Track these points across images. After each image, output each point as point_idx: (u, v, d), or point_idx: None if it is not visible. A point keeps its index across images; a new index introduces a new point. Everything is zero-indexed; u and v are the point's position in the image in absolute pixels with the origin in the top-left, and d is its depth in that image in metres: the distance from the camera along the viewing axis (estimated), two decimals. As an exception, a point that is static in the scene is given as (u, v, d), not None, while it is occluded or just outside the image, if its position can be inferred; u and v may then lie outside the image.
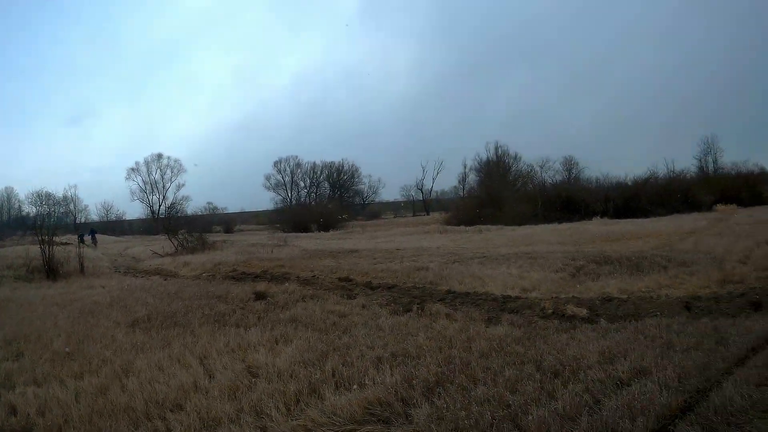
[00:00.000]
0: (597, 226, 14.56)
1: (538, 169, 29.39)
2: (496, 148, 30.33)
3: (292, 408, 2.15)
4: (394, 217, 35.88)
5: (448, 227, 18.98)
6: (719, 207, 18.53)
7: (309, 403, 2.17)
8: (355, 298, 4.89)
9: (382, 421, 1.97)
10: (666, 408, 1.79)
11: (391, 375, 2.38)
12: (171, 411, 2.19)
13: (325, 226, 23.49)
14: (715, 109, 41.70)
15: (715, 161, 28.72)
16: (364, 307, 4.49)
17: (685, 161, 34.52)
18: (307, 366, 2.68)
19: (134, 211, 37.20)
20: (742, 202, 18.87)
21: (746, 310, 3.77)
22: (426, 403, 2.02)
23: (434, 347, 2.95)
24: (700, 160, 28.99)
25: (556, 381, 2.21)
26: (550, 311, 4.04)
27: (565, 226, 15.38)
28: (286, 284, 5.74)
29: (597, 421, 1.71)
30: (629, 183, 23.60)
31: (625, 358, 2.50)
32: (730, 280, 4.81)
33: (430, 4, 53.86)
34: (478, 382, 2.26)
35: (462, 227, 18.25)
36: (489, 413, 1.86)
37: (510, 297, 4.57)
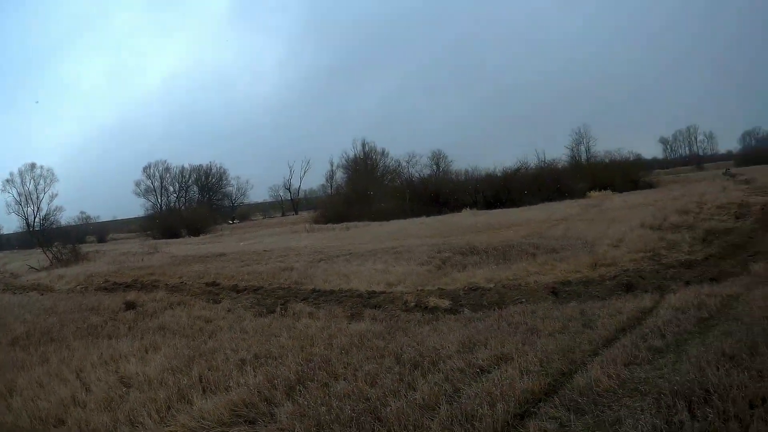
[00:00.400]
0: (466, 217, 53.83)
1: (405, 164, 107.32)
2: (364, 145, 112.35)
3: (163, 415, 8.60)
4: (263, 218, 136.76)
5: (316, 226, 69.00)
6: (592, 194, 68.84)
7: (179, 409, 8.71)
8: (220, 302, 18.68)
9: (249, 422, 8.13)
10: (528, 393, 7.66)
11: (255, 376, 9.60)
12: (54, 426, 8.11)
13: (195, 231, 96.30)
14: (590, 102, 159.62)
15: (588, 150, 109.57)
16: (229, 311, 17.36)
17: (557, 151, 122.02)
18: (175, 373, 10.42)
19: (11, 224, 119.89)
20: (617, 188, 71.23)
21: (617, 292, 15.06)
22: (288, 402, 8.43)
23: (296, 346, 11.67)
24: (572, 150, 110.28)
25: (415, 372, 9.08)
26: (412, 304, 15.94)
27: (433, 219, 57.44)
28: (155, 292, 21.12)
29: (456, 409, 7.34)
30: (499, 174, 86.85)
31: (485, 346, 10.03)
32: (602, 263, 18.30)
33: (301, 3, 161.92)
34: (339, 378, 9.28)
35: (330, 225, 66.98)
36: (349, 407, 7.77)
37: (375, 292, 18.02)
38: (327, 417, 7.53)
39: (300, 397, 8.43)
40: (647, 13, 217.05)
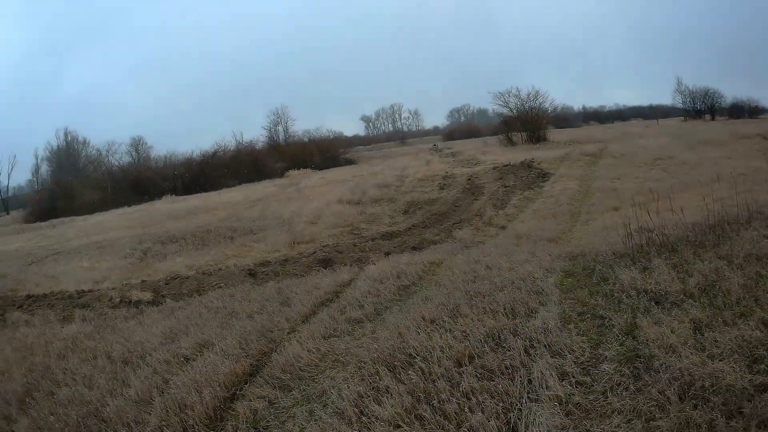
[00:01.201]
0: (165, 204, 53.71)
1: (105, 153, 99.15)
2: (66, 135, 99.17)
3: None
4: None
5: (26, 225, 60.90)
6: (291, 173, 73.62)
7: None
8: None
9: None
10: (232, 375, 8.36)
11: None
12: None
13: None
14: (291, 85, 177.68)
15: (286, 130, 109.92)
16: None
17: (256, 133, 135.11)
18: None
19: None
20: (317, 167, 77.67)
21: (316, 268, 17.05)
22: (24, 416, 8.94)
23: (19, 358, 12.10)
24: (270, 130, 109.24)
25: (127, 369, 9.76)
26: (117, 300, 16.83)
27: (134, 208, 54.75)
28: None
29: (168, 400, 7.90)
30: (197, 158, 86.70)
31: (187, 335, 10.90)
32: (301, 241, 19.79)
33: None
34: (61, 384, 9.82)
35: (39, 223, 58.87)
36: (74, 413, 8.31)
37: (84, 291, 18.68)
38: (57, 426, 7.95)
39: (31, 409, 8.78)
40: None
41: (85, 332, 12.82)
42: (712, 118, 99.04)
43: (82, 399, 8.51)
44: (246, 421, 6.99)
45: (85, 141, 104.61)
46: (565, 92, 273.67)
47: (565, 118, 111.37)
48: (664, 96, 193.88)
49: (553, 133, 68.97)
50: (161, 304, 15.03)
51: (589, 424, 5.39)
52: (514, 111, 72.27)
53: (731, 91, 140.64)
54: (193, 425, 7.08)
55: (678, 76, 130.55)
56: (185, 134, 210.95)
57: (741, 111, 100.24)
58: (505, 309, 8.50)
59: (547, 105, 73.34)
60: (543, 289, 9.40)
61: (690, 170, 29.99)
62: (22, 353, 12.08)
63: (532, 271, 10.75)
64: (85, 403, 8.27)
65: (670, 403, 5.32)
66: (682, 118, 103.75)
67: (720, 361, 5.83)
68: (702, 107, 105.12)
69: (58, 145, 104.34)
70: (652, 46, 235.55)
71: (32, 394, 9.28)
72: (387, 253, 17.14)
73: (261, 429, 6.92)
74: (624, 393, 5.74)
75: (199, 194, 62.78)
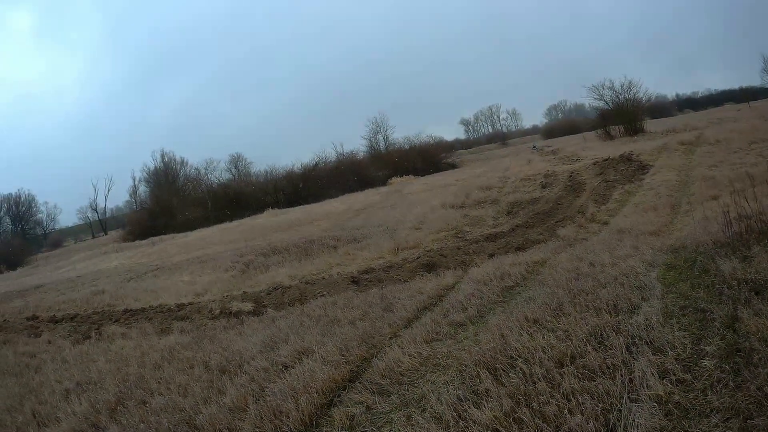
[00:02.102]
0: (267, 218, 55.76)
1: (204, 171, 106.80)
2: (163, 156, 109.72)
3: (5, 455, 9.78)
4: (75, 243, 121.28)
5: (124, 244, 70.95)
6: (393, 180, 76.38)
7: (20, 448, 10.15)
8: (41, 335, 18.77)
9: (82, 450, 9.52)
10: (330, 382, 8.24)
11: (80, 404, 10.14)
12: None
13: (13, 264, 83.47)
14: (390, 95, 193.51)
15: (386, 138, 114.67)
16: (49, 342, 17.42)
17: (355, 143, 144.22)
18: (11, 412, 10.81)
19: None
20: (419, 172, 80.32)
21: (420, 273, 16.36)
22: (113, 424, 8.93)
23: (113, 369, 12.28)
24: (370, 139, 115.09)
25: (223, 377, 9.72)
26: (218, 311, 16.88)
27: (235, 223, 60.60)
28: (-24, 336, 20.75)
29: (263, 407, 7.83)
30: (298, 171, 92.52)
31: (287, 343, 10.70)
32: (405, 247, 20.85)
33: (100, 15, 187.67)
34: (154, 393, 9.85)
35: (138, 242, 69.25)
36: (166, 420, 8.34)
37: (183, 305, 19.15)
38: (148, 432, 8.35)
39: (122, 417, 8.87)
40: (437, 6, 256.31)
41: (183, 343, 13.12)
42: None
43: (176, 407, 8.56)
44: (342, 427, 6.99)
45: (182, 160, 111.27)
46: (656, 80, 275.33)
47: (660, 108, 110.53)
48: (753, 77, 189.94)
49: (650, 124, 68.35)
50: (262, 314, 15.13)
51: (688, 424, 5.25)
52: (610, 104, 71.83)
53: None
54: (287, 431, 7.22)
55: (765, 55, 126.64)
56: (285, 149, 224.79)
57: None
58: (607, 306, 8.41)
59: (641, 95, 72.42)
60: (645, 284, 9.25)
61: (786, 152, 29.72)
62: (116, 364, 12.38)
63: (634, 266, 10.61)
64: (178, 411, 8.38)
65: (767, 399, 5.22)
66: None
67: (823, 353, 5.67)
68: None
69: (155, 166, 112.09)
70: (735, 24, 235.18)
71: (124, 403, 9.48)
72: (491, 255, 16.95)
73: (356, 434, 7.12)
74: (723, 390, 5.58)
75: (301, 206, 64.60)
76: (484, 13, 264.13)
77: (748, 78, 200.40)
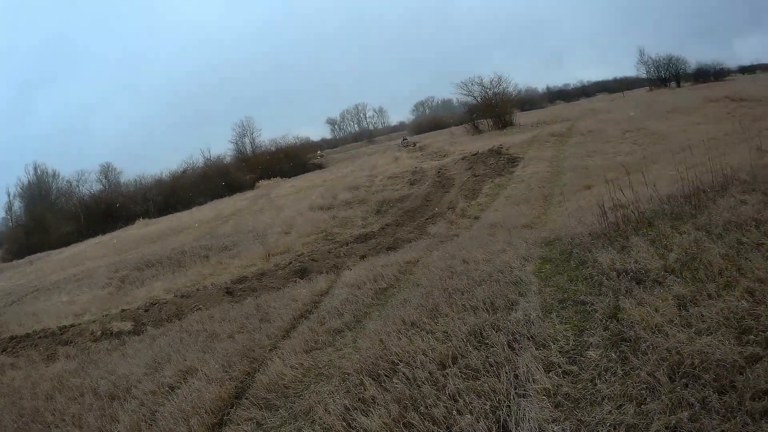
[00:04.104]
0: (139, 229, 52.38)
1: (76, 183, 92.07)
2: (35, 169, 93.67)
3: None
4: None
5: (3, 264, 60.16)
6: (261, 183, 74.60)
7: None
8: None
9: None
10: (218, 400, 8.31)
11: None
12: None
13: None
14: (253, 98, 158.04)
15: (252, 142, 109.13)
16: None
17: (223, 148, 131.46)
18: None
19: None
20: (286, 174, 78.90)
21: (293, 279, 16.89)
22: None
23: (8, 403, 11.49)
24: (237, 143, 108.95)
25: (114, 404, 9.55)
26: (99, 333, 16.40)
27: (109, 236, 55.02)
28: None
29: None
30: (167, 179, 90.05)
31: (170, 363, 10.74)
32: (275, 252, 19.91)
33: None
34: (51, 426, 9.55)
35: (14, 261, 59.85)
36: None
37: (66, 327, 18.25)
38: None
39: None
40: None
41: (70, 370, 12.65)
42: (678, 85, 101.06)
43: None
44: None
45: (54, 173, 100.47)
46: (528, 75, 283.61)
47: (531, 100, 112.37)
48: (628, 68, 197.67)
49: (520, 117, 69.11)
50: (142, 332, 15.01)
51: (580, 414, 5.34)
52: (479, 99, 72.38)
53: (694, 57, 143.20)
54: (184, 457, 7.09)
55: (640, 47, 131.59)
56: (155, 157, 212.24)
57: (706, 75, 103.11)
58: (485, 304, 8.47)
59: (510, 89, 73.65)
60: (521, 279, 9.36)
61: (660, 140, 30.41)
62: (10, 398, 11.81)
63: (508, 261, 10.71)
64: None
65: (660, 384, 5.29)
66: (648, 88, 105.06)
67: (708, 336, 5.79)
68: (667, 75, 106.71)
69: (28, 181, 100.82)
70: (610, 19, 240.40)
71: (27, 440, 9.22)
72: (362, 257, 17.17)
73: (251, 453, 6.99)
74: (612, 378, 5.71)
75: (171, 215, 63.75)
76: (350, 13, 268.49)
77: (623, 70, 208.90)
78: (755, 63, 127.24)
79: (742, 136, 18.80)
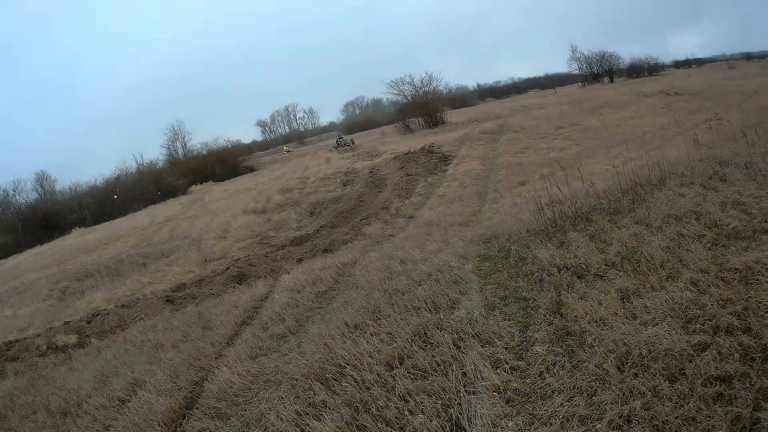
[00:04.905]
0: (75, 238, 53.93)
1: (12, 192, 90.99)
2: None
3: None
4: None
5: None
6: (194, 188, 74.70)
7: None
8: None
9: None
10: (169, 412, 8.18)
11: None
12: None
13: None
14: (184, 102, 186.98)
15: (184, 146, 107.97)
16: None
17: (155, 152, 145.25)
18: None
19: None
20: (218, 178, 79.45)
21: (231, 285, 16.97)
22: None
23: None
24: (169, 148, 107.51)
25: (67, 420, 9.26)
26: (45, 347, 16.17)
27: (47, 246, 57.75)
28: None
29: None
30: (101, 186, 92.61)
31: (118, 375, 10.60)
32: (212, 258, 20.21)
33: None
34: None
35: None
36: None
37: (12, 342, 17.70)
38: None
39: None
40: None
41: (20, 387, 12.40)
42: (611, 81, 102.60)
43: None
44: None
45: None
46: (458, 73, 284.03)
47: (462, 98, 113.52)
48: (560, 65, 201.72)
49: (451, 114, 69.74)
50: (87, 345, 14.93)
51: (532, 408, 5.42)
52: (409, 98, 72.97)
53: (628, 52, 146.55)
54: (143, 473, 7.04)
55: (572, 43, 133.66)
56: (89, 163, 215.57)
57: (640, 70, 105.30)
58: (426, 304, 8.52)
59: (441, 87, 74.45)
60: (461, 278, 9.43)
61: (594, 136, 30.81)
62: (-39, 423, 11.83)
63: (447, 260, 10.78)
64: None
65: (610, 375, 5.38)
66: (580, 84, 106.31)
67: (654, 326, 5.92)
68: (599, 71, 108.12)
69: None
70: (540, 15, 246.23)
71: (-17, 467, 8.97)
72: (299, 260, 17.23)
73: (207, 464, 6.93)
74: (561, 372, 5.79)
75: (107, 222, 64.20)
76: (280, 16, 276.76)
77: (554, 67, 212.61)
78: (690, 57, 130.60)
79: (678, 129, 19.18)
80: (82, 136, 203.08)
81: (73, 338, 16.15)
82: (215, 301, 14.30)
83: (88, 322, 17.56)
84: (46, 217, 78.35)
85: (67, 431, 8.71)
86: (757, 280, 6.25)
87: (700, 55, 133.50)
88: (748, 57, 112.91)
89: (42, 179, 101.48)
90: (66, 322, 18.40)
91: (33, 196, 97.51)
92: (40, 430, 9.23)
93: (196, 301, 15.45)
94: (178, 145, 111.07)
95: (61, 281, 26.28)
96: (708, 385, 4.91)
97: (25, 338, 17.92)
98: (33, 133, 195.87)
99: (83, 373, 11.43)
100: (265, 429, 6.74)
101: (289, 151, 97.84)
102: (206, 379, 8.84)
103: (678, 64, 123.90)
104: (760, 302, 5.82)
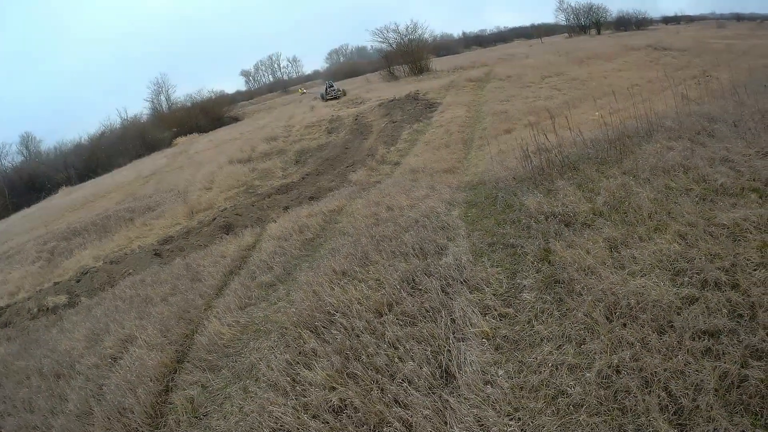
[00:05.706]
0: (62, 197, 52.15)
1: None
2: None
3: None
4: None
5: None
6: (179, 140, 73.50)
7: None
8: None
9: None
10: (161, 366, 8.58)
11: None
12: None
13: None
14: (165, 53, 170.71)
15: (168, 98, 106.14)
16: None
17: (139, 106, 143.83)
18: None
19: None
20: (203, 129, 77.51)
21: (218, 235, 17.15)
22: None
23: None
24: (153, 101, 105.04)
25: (60, 382, 9.70)
26: (36, 310, 16.45)
27: (34, 208, 53.63)
28: None
29: (107, 408, 7.90)
30: (86, 143, 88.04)
31: (108, 333, 10.95)
32: (198, 209, 20.96)
33: None
34: (4, 415, 9.58)
35: None
36: None
37: (2, 308, 18.05)
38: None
39: None
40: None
41: (13, 353, 12.52)
42: (598, 33, 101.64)
43: (27, 425, 8.32)
44: (185, 411, 7.02)
45: None
46: (444, 21, 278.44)
47: (447, 46, 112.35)
48: (547, 16, 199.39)
49: (436, 62, 69.35)
50: (77, 304, 14.92)
51: (521, 356, 5.53)
52: (394, 45, 72.71)
53: (616, 6, 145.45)
54: (136, 428, 7.04)
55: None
56: (72, 120, 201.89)
57: (628, 23, 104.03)
58: (414, 250, 8.67)
59: (426, 35, 74.71)
60: (448, 224, 9.57)
61: (581, 86, 30.44)
62: (-41, 387, 11.99)
63: (434, 207, 10.91)
64: (32, 429, 8.15)
65: (598, 324, 5.49)
66: (567, 34, 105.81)
67: (642, 277, 6.03)
68: (587, 22, 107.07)
69: None
70: None
71: (-21, 433, 9.15)
72: (285, 208, 17.21)
73: (201, 416, 6.92)
74: (550, 320, 5.91)
75: (92, 180, 63.28)
76: None
77: (541, 17, 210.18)
78: (679, 14, 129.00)
79: (666, 83, 19.07)
80: (68, 96, 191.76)
81: (63, 298, 16.14)
82: (203, 252, 14.29)
83: (78, 281, 17.68)
84: (33, 179, 75.69)
85: (61, 393, 8.76)
86: (746, 237, 6.38)
87: (689, 12, 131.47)
88: (738, 17, 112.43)
89: (27, 141, 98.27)
90: (56, 283, 18.53)
91: (19, 158, 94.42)
92: (35, 394, 9.27)
93: (183, 253, 15.43)
94: (162, 98, 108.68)
95: (50, 242, 26.33)
96: (696, 339, 5.02)
97: (15, 303, 17.99)
98: (18, 98, 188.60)
99: (74, 333, 11.67)
100: (257, 379, 6.84)
101: (303, 92, 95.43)
102: (196, 332, 8.95)
103: (667, 20, 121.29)
104: (748, 259, 5.95)
